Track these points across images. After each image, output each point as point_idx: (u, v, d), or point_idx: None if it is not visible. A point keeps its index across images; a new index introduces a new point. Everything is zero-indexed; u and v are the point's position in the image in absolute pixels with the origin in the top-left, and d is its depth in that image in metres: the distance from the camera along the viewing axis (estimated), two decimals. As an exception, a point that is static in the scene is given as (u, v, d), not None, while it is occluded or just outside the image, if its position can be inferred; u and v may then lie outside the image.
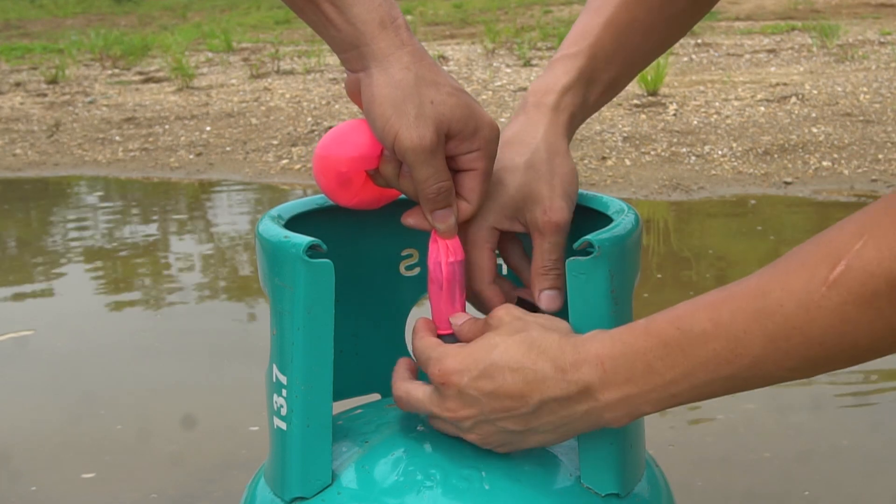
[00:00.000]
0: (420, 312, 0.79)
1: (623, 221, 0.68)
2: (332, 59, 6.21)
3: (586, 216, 0.75)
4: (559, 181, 0.72)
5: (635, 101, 4.37)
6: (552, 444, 0.67)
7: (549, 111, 0.75)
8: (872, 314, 0.54)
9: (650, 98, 4.41)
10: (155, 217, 3.40)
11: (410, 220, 0.71)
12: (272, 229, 0.69)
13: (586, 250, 0.64)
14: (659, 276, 2.38)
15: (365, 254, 0.80)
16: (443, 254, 0.70)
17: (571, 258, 0.64)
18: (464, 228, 0.72)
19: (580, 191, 0.76)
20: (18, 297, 2.60)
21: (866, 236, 0.54)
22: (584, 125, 4.65)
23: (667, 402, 0.61)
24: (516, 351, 0.63)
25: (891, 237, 0.54)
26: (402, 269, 0.81)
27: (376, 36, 0.65)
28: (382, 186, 0.71)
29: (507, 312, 0.67)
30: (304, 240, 0.65)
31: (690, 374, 0.59)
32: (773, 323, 0.56)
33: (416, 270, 0.81)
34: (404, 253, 0.81)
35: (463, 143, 0.67)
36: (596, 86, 0.77)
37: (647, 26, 0.79)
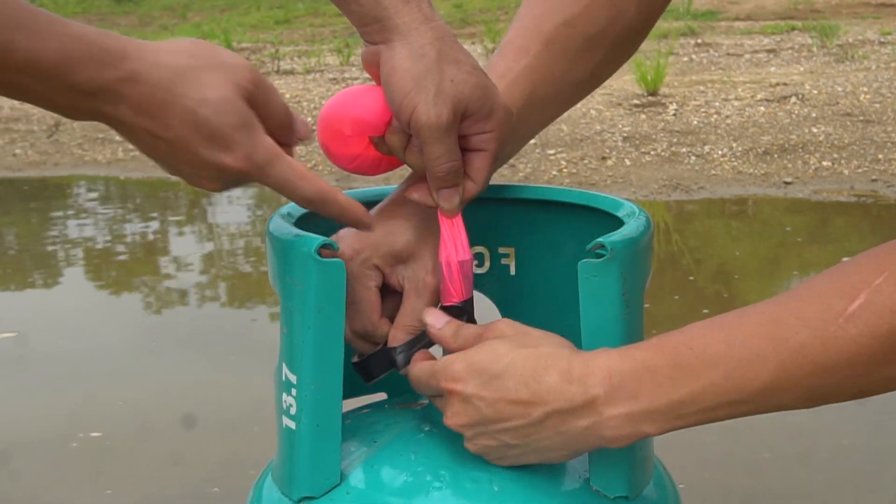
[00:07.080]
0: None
1: (635, 223, 0.68)
2: (332, 59, 6.21)
3: (597, 218, 0.75)
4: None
5: (635, 101, 4.37)
6: (550, 462, 0.66)
7: None
8: (888, 349, 0.55)
9: (650, 98, 4.42)
10: (155, 216, 3.40)
11: (415, 194, 0.69)
12: (283, 227, 0.68)
13: (598, 252, 0.64)
14: (658, 275, 2.38)
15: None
16: (452, 252, 0.70)
17: (584, 260, 0.64)
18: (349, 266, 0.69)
19: (590, 192, 0.77)
20: (18, 296, 2.60)
21: (887, 272, 0.55)
22: (584, 125, 4.61)
23: (669, 425, 0.61)
24: (524, 363, 0.63)
25: None
26: (410, 268, 0.81)
27: (400, 10, 0.64)
28: (385, 154, 0.70)
29: (509, 326, 0.67)
30: (315, 239, 0.65)
31: (698, 395, 0.59)
32: (786, 350, 0.57)
33: (424, 270, 0.81)
34: (412, 253, 0.80)
35: (477, 123, 0.67)
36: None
37: (548, 96, 0.77)
